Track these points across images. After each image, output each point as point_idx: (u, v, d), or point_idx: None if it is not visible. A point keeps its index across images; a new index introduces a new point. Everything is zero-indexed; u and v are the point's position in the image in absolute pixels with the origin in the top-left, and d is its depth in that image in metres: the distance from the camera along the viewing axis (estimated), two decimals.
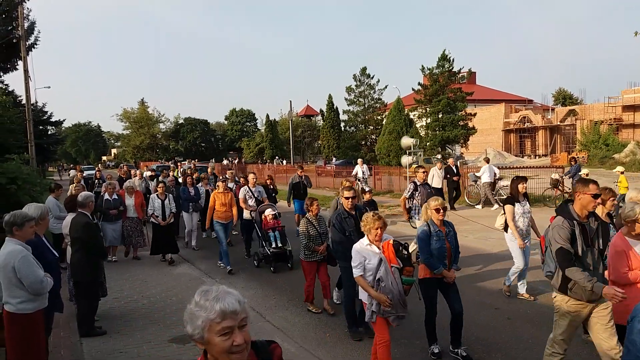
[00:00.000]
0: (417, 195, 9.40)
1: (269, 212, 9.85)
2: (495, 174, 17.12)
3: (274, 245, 9.37)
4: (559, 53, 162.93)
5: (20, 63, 23.87)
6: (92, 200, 6.48)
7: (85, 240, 6.07)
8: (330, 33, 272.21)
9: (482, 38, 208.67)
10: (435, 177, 15.84)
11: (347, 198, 6.26)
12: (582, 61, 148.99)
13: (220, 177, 13.49)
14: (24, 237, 4.25)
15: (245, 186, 10.78)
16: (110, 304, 7.37)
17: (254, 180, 10.97)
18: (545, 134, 47.94)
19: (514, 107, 52.68)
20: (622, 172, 14.24)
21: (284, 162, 50.35)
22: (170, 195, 10.79)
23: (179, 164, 31.18)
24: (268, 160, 52.21)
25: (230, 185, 11.81)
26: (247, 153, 67.10)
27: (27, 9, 26.48)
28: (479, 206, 17.03)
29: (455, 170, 16.99)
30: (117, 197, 10.40)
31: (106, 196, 10.33)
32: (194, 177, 13.04)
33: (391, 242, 4.75)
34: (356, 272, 4.71)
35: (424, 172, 9.76)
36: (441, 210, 5.30)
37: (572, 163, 16.10)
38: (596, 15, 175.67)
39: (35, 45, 27.08)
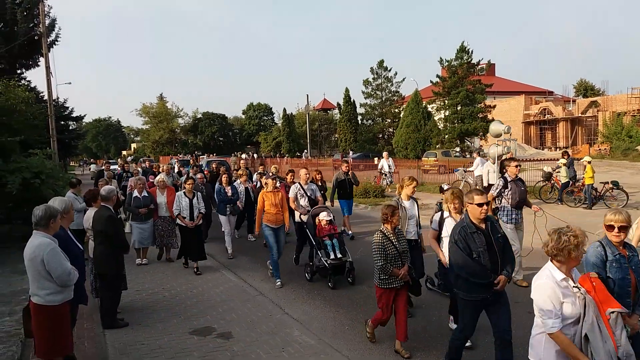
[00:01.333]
0: (506, 193, 7.69)
1: (323, 217, 8.33)
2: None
3: (332, 256, 7.86)
4: (580, 44, 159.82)
5: (42, 60, 24.29)
6: (115, 193, 6.58)
7: (108, 234, 6.16)
8: (347, 26, 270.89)
9: (502, 29, 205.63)
10: (491, 174, 13.42)
11: (479, 205, 4.42)
12: (605, 52, 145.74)
13: (268, 173, 12.48)
14: (55, 229, 4.35)
15: (297, 183, 9.40)
16: (132, 296, 7.49)
17: (307, 176, 9.53)
18: (566, 126, 47.05)
19: (534, 99, 51.79)
20: (589, 162, 14.81)
21: (306, 155, 49.72)
22: (199, 193, 9.47)
23: (198, 158, 31.49)
24: (287, 155, 52.12)
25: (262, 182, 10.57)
26: (264, 147, 67.32)
27: (48, 6, 27.00)
28: None
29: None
30: (147, 195, 9.59)
31: (135, 193, 9.53)
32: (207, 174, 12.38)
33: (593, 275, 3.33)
34: (554, 325, 3.13)
35: (517, 166, 7.91)
36: (622, 227, 3.74)
37: (565, 157, 16.09)
38: (618, 4, 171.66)
39: (56, 42, 27.50)
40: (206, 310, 6.87)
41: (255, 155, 58.52)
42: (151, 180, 12.60)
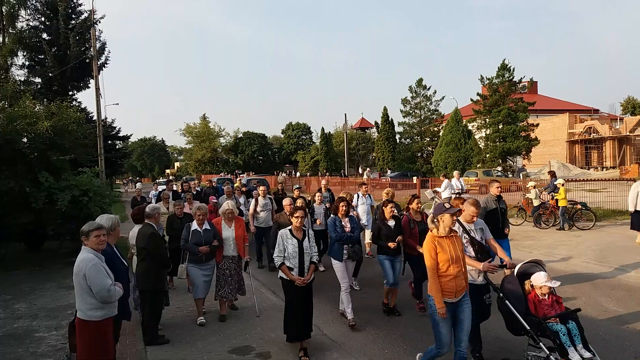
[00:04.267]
0: None
1: (542, 281, 5.07)
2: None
3: (575, 357, 4.58)
4: (626, 60, 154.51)
5: (92, 81, 25.43)
6: (159, 211, 6.73)
7: (150, 251, 6.29)
8: (385, 45, 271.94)
9: (544, 46, 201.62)
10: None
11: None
12: None
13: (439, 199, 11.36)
14: (92, 245, 4.43)
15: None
16: (173, 313, 7.58)
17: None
18: (613, 145, 45.36)
19: (579, 117, 50.29)
20: (562, 185, 14.78)
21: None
22: (311, 232, 6.32)
23: (239, 176, 31.85)
24: (327, 173, 52.05)
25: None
26: (302, 166, 67.87)
27: (99, 30, 28.25)
28: None
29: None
30: (209, 227, 7.27)
31: (194, 226, 7.19)
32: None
33: None
34: None
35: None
36: None
37: (551, 177, 15.81)
38: None
39: (105, 64, 28.77)
40: (245, 329, 6.86)
41: (298, 174, 58.89)
42: (212, 201, 11.67)
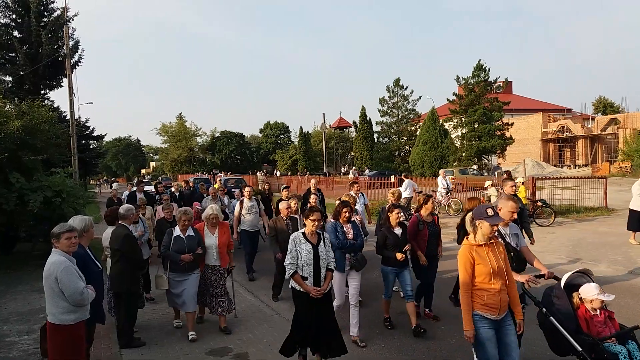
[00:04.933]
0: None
1: (594, 294, 4.50)
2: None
3: None
4: (598, 61, 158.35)
5: (65, 80, 24.93)
6: (134, 212, 6.62)
7: (125, 252, 6.19)
8: (363, 45, 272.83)
9: (519, 47, 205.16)
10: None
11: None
12: (624, 69, 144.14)
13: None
14: (63, 248, 4.33)
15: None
16: (149, 315, 7.49)
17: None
18: (586, 144, 46.43)
19: (552, 117, 51.31)
20: (522, 183, 15.26)
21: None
22: (325, 234, 5.58)
23: (216, 176, 31.55)
24: (308, 172, 51.95)
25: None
26: (280, 165, 67.72)
27: (72, 28, 27.66)
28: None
29: None
30: (193, 234, 6.67)
31: (177, 232, 6.61)
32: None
33: None
34: None
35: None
36: None
37: (507, 176, 16.50)
38: (637, 22, 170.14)
39: (79, 63, 28.23)
40: (223, 330, 6.81)
41: (278, 173, 58.60)
42: (197, 207, 10.43)
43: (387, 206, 7.25)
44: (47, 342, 4.44)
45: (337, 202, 7.24)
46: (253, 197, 10.79)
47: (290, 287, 5.31)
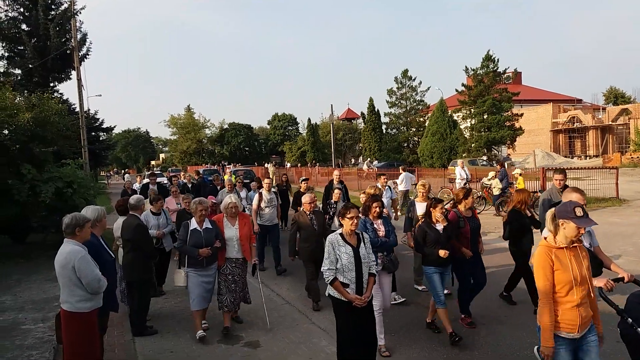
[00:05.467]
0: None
1: None
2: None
3: None
4: (609, 51, 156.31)
5: (74, 73, 25.02)
6: (144, 202, 6.68)
7: (136, 242, 6.27)
8: (370, 36, 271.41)
9: (528, 37, 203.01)
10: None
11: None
12: (635, 59, 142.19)
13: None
14: (83, 237, 4.41)
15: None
16: (161, 304, 7.57)
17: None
18: (596, 134, 46.01)
19: (563, 107, 50.86)
20: (520, 174, 15.76)
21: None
22: (365, 235, 4.98)
23: (225, 167, 31.64)
24: (317, 163, 51.89)
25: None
26: (289, 156, 67.78)
27: (80, 21, 27.75)
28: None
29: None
30: (210, 226, 6.31)
31: (193, 225, 6.23)
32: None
33: None
34: None
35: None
36: None
37: (500, 166, 16.91)
38: None
39: (87, 56, 28.25)
40: (233, 318, 6.87)
41: (288, 164, 58.67)
42: (212, 200, 9.06)
43: (413, 199, 6.83)
44: (61, 329, 4.51)
45: (362, 195, 6.74)
46: (272, 189, 10.09)
47: (326, 294, 4.75)
